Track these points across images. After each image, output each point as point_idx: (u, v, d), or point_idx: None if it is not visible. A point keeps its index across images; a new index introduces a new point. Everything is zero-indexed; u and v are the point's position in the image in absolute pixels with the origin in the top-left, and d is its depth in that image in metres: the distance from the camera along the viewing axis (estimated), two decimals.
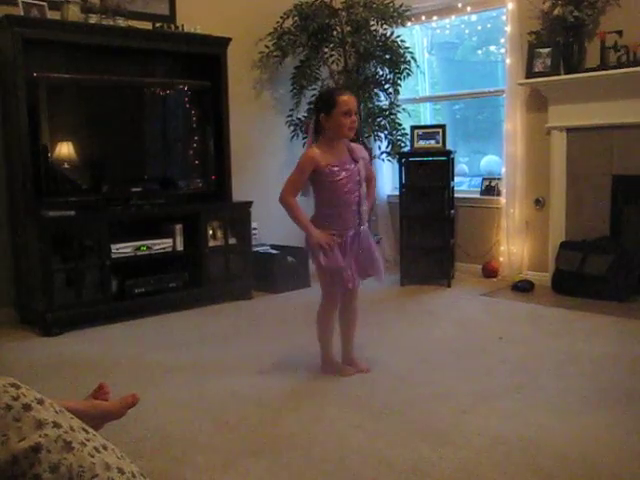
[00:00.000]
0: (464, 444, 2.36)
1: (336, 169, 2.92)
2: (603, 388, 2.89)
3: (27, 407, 1.20)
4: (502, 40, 5.19)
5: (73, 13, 4.22)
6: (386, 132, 5.53)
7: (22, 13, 4.05)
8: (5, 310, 4.29)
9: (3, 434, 1.15)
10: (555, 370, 3.14)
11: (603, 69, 4.44)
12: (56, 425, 1.20)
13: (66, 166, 4.23)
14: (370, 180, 3.15)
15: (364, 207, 3.03)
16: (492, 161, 5.73)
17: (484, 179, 5.52)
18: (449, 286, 5.09)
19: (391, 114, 5.51)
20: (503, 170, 5.21)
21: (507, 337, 3.71)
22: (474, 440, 2.39)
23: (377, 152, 5.72)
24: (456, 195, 5.37)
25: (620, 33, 4.40)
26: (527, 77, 4.87)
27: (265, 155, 5.62)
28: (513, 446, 2.33)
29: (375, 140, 5.64)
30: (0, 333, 4.00)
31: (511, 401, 2.77)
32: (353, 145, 3.07)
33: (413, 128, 5.36)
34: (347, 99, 2.92)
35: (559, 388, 2.91)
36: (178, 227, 4.59)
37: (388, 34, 5.37)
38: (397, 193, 5.39)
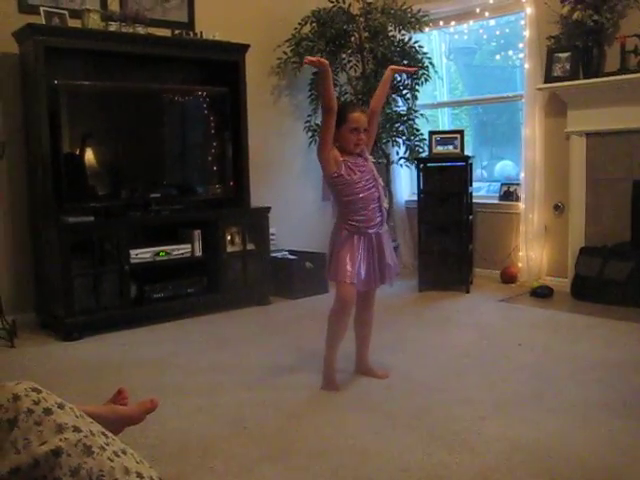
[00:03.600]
0: (482, 450, 2.35)
1: (350, 164, 2.95)
2: (623, 395, 2.86)
3: (48, 411, 1.22)
4: (521, 45, 5.16)
5: (93, 21, 4.27)
6: (404, 138, 5.53)
7: (44, 21, 4.10)
8: (26, 315, 4.33)
9: (24, 438, 1.17)
10: (574, 377, 3.12)
11: (623, 73, 4.41)
12: (76, 429, 1.21)
13: (86, 172, 4.27)
14: None
15: (385, 204, 3.06)
16: (507, 166, 5.71)
17: (502, 184, 5.50)
18: (468, 292, 5.07)
19: (409, 119, 5.50)
20: (522, 175, 5.18)
21: (526, 343, 3.69)
22: (492, 446, 2.37)
23: (395, 157, 5.72)
24: (474, 200, 5.33)
25: None
26: (546, 82, 4.84)
27: (283, 161, 5.64)
28: (532, 453, 2.31)
29: (393, 146, 5.63)
30: (21, 337, 4.04)
31: (530, 407, 2.75)
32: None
33: (431, 133, 5.34)
34: (357, 117, 2.96)
35: (578, 395, 2.88)
36: (196, 233, 4.61)
37: (406, 40, 5.38)
38: (415, 199, 5.37)
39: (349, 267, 2.95)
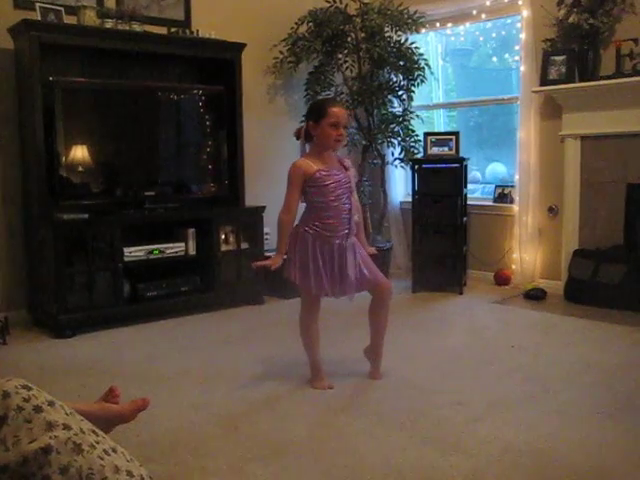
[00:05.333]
0: (475, 452, 2.35)
1: (325, 174, 2.94)
2: (616, 398, 2.87)
3: (38, 409, 1.21)
4: (517, 47, 5.17)
5: (89, 18, 4.25)
6: (399, 138, 5.53)
7: (39, 17, 4.09)
8: (18, 312, 4.31)
9: (14, 435, 1.16)
10: (567, 379, 3.12)
11: (618, 77, 4.42)
12: (66, 427, 1.21)
13: (80, 169, 4.26)
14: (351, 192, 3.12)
15: (355, 217, 3.03)
16: (498, 169, 5.73)
17: (497, 186, 5.50)
18: (461, 293, 5.07)
19: (404, 120, 5.50)
20: (516, 178, 5.19)
21: (519, 345, 3.69)
22: (485, 448, 2.37)
23: (390, 158, 5.72)
24: (469, 202, 5.35)
25: (636, 41, 4.37)
26: (541, 84, 4.85)
27: (278, 160, 5.61)
28: (524, 455, 2.32)
29: (388, 146, 5.64)
30: (13, 335, 4.03)
31: (523, 410, 2.76)
32: (343, 157, 3.12)
33: (426, 135, 5.35)
34: (337, 111, 2.93)
35: (571, 397, 2.89)
36: (190, 231, 4.61)
37: (402, 40, 5.38)
38: (410, 200, 5.37)
39: (312, 275, 2.98)
